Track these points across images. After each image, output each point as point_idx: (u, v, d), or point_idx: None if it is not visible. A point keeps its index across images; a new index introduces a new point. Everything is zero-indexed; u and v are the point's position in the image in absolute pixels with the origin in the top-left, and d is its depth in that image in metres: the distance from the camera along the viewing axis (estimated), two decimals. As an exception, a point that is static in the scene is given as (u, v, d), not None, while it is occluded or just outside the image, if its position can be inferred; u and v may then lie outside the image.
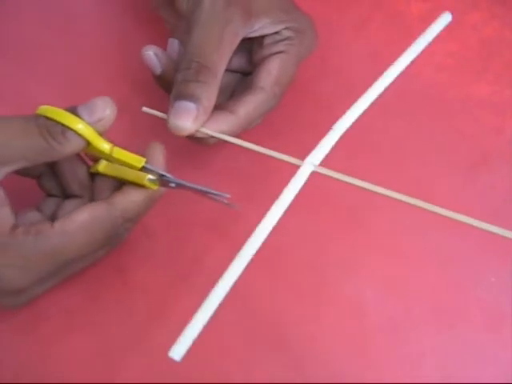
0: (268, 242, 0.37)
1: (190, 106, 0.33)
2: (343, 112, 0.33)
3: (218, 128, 0.34)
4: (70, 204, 0.35)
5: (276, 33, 0.37)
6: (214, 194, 0.32)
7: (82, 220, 0.31)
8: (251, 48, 0.38)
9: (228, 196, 0.31)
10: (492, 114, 0.41)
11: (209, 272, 0.34)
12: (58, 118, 0.31)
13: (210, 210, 0.39)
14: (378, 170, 0.39)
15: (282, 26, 0.37)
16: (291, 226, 0.38)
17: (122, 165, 0.33)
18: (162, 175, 0.32)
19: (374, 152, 0.40)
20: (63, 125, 0.31)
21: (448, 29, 0.44)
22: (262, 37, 0.37)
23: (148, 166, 0.32)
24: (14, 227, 0.31)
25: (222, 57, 0.34)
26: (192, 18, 0.35)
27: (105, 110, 0.31)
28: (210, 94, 0.34)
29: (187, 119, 0.33)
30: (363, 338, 0.36)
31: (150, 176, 0.32)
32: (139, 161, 0.32)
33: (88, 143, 0.31)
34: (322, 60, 0.43)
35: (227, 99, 0.37)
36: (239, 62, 0.39)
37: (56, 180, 0.35)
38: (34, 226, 0.31)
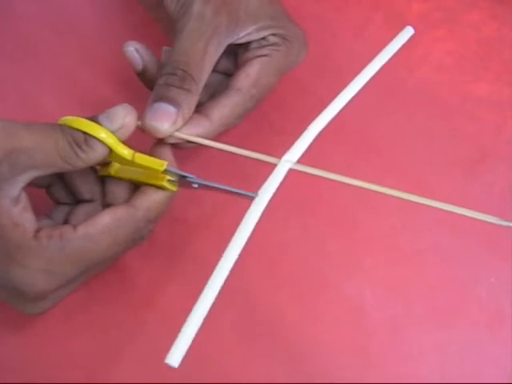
0: (266, 241, 0.37)
1: (170, 109, 0.33)
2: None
3: (193, 132, 0.34)
4: (81, 209, 0.35)
5: (262, 38, 0.36)
6: (239, 193, 0.31)
7: (105, 223, 0.31)
8: (237, 51, 0.38)
9: (255, 195, 0.31)
10: (491, 113, 0.41)
11: (209, 270, 0.34)
12: (80, 127, 0.31)
13: (206, 208, 0.39)
14: (374, 168, 0.40)
15: (269, 32, 0.36)
16: (288, 225, 0.39)
17: (142, 169, 0.33)
18: (185, 176, 0.32)
19: (372, 151, 0.40)
20: (86, 133, 0.31)
21: (447, 28, 0.44)
22: (249, 42, 0.37)
23: (170, 169, 0.32)
24: (37, 231, 0.31)
25: (205, 68, 0.34)
26: (180, 23, 0.35)
27: (125, 117, 0.31)
28: (191, 102, 0.34)
29: (165, 121, 0.33)
30: (363, 336, 0.36)
31: (169, 177, 0.32)
32: (161, 164, 0.32)
33: (110, 151, 0.32)
34: (322, 59, 0.43)
35: (207, 99, 0.37)
36: (225, 64, 0.39)
37: (65, 187, 0.35)
38: (56, 229, 0.31)
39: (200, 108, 0.35)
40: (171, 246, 0.38)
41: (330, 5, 0.45)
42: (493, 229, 0.38)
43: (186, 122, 0.34)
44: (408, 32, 0.35)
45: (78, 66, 0.44)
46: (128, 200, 0.33)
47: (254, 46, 0.37)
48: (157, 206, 0.33)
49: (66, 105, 0.42)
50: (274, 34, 0.37)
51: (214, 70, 0.38)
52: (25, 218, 0.30)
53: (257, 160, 0.32)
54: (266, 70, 0.37)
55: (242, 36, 0.36)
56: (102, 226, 0.31)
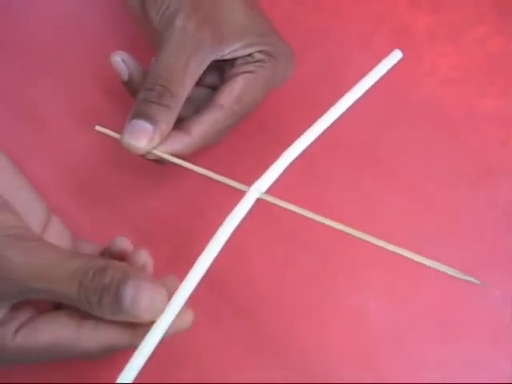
0: (274, 252, 0.38)
1: (147, 126, 0.33)
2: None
3: (172, 148, 0.34)
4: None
5: (248, 55, 0.36)
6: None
7: (41, 343, 0.29)
8: (224, 66, 0.38)
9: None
10: (496, 127, 0.41)
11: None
12: None
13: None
14: (379, 181, 0.40)
15: (255, 49, 0.36)
16: (294, 237, 0.39)
17: None
18: None
19: (377, 164, 0.40)
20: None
21: (453, 42, 0.45)
22: (235, 58, 0.36)
23: None
24: None
25: (186, 83, 0.34)
26: (162, 38, 0.35)
27: (150, 309, 0.27)
28: (169, 118, 0.34)
29: (142, 139, 0.33)
30: (367, 348, 0.36)
31: None
32: None
33: None
34: (326, 71, 0.43)
35: (192, 113, 0.36)
36: (211, 79, 0.38)
37: None
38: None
39: (181, 123, 0.35)
40: (170, 256, 0.38)
41: (335, 17, 0.45)
42: (497, 242, 0.38)
43: (165, 138, 0.34)
44: (396, 55, 0.34)
45: (79, 67, 0.44)
46: (80, 322, 0.29)
47: (239, 62, 0.36)
48: (100, 350, 0.29)
49: (66, 108, 0.43)
50: (260, 51, 0.36)
51: (200, 85, 0.38)
52: None
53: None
54: (250, 87, 0.36)
55: (227, 52, 0.36)
56: (38, 345, 0.29)
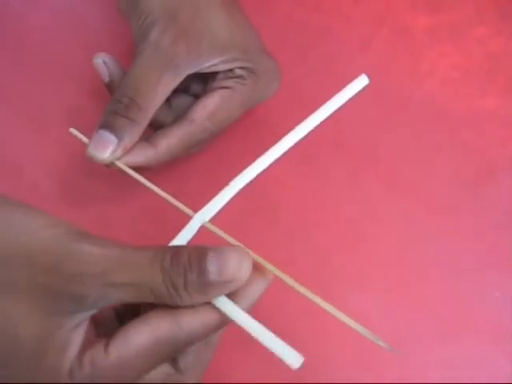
0: (274, 252, 0.37)
1: (111, 138, 0.33)
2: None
3: (135, 161, 0.34)
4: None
5: (229, 70, 0.36)
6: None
7: (142, 343, 0.25)
8: (208, 78, 0.37)
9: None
10: (497, 127, 0.41)
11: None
12: None
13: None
14: (379, 181, 0.40)
15: (236, 65, 0.36)
16: (293, 238, 0.39)
17: None
18: None
19: (377, 164, 0.41)
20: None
21: (453, 42, 0.45)
22: (216, 72, 0.36)
23: None
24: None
25: (156, 97, 0.34)
26: (138, 49, 0.35)
27: (240, 269, 0.26)
28: (134, 132, 0.33)
29: (105, 151, 0.33)
30: (367, 348, 0.36)
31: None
32: None
33: None
34: (328, 72, 0.43)
35: (172, 120, 0.36)
36: (196, 88, 0.38)
37: None
38: (88, 352, 0.25)
39: (149, 136, 0.35)
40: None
41: (335, 17, 0.45)
42: (497, 242, 0.38)
43: (131, 150, 0.34)
44: (362, 81, 0.33)
45: (79, 74, 0.43)
46: (174, 311, 0.26)
47: (220, 76, 0.36)
48: (205, 329, 0.26)
49: (67, 114, 0.43)
50: (241, 67, 0.36)
51: (185, 93, 0.38)
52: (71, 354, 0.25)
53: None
54: (225, 104, 0.36)
55: (206, 66, 0.35)
56: (138, 347, 0.25)
